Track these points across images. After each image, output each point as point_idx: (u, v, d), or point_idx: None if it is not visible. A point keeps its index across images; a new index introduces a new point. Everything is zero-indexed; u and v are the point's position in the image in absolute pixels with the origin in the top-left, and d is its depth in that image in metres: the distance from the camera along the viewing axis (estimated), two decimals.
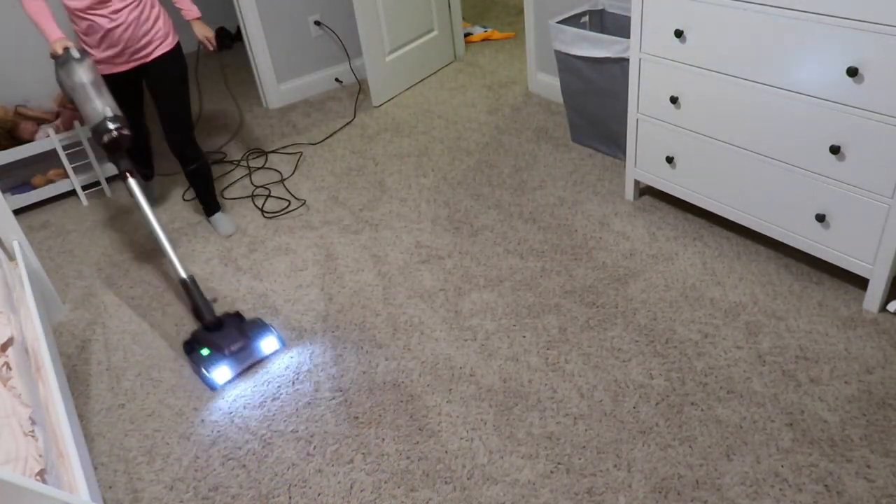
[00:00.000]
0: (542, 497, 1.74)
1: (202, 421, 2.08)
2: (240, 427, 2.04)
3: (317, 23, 4.06)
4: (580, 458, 1.82)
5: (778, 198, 2.24)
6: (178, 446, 2.01)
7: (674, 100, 2.41)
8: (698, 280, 2.36)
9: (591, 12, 3.11)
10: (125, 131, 2.35)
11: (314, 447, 1.95)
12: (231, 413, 2.09)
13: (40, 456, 1.50)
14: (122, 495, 1.89)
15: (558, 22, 3.01)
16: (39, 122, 3.30)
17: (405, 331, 2.31)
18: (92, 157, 3.29)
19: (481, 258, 2.60)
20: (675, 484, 1.72)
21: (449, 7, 4.25)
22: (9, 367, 1.74)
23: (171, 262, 2.31)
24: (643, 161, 2.67)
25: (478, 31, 4.72)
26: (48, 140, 3.17)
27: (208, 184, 2.90)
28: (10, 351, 1.80)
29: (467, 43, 4.64)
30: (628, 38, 2.67)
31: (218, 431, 2.04)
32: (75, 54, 2.35)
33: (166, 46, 2.60)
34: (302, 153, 3.53)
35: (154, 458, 1.98)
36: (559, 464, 1.81)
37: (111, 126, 2.31)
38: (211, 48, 2.75)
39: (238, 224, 3.00)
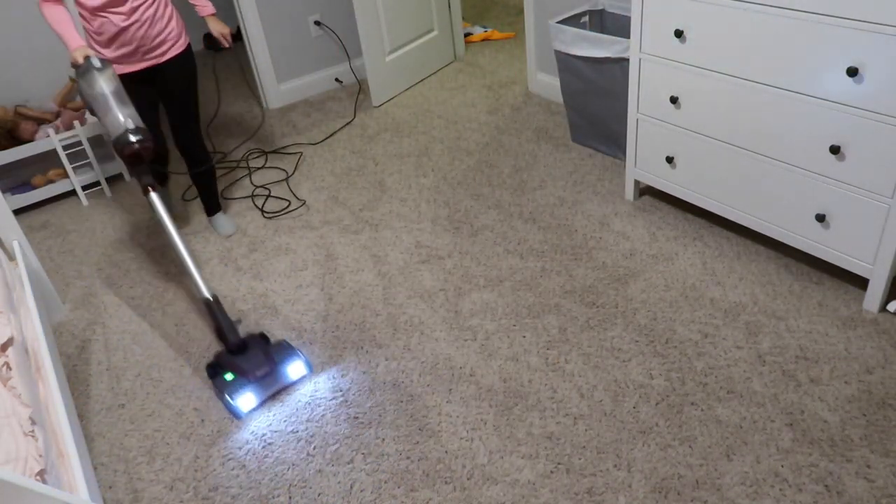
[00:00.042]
0: (542, 497, 1.74)
1: (202, 421, 2.08)
2: (240, 427, 2.04)
3: (317, 23, 4.06)
4: (580, 458, 1.82)
5: (778, 198, 2.24)
6: (178, 446, 2.01)
7: (674, 100, 2.41)
8: (698, 280, 2.36)
9: (591, 12, 3.11)
10: (147, 143, 2.25)
11: (314, 447, 1.95)
12: (231, 412, 2.09)
13: (40, 456, 1.50)
14: (122, 495, 1.89)
15: (558, 22, 3.01)
16: (39, 122, 3.30)
17: (405, 331, 2.31)
18: (92, 157, 3.29)
19: (481, 258, 2.60)
20: (675, 484, 1.72)
21: (449, 7, 4.25)
22: (9, 367, 1.74)
23: (194, 281, 2.19)
24: (643, 161, 2.67)
25: (478, 31, 4.72)
26: (48, 140, 3.17)
27: (212, 184, 2.90)
28: (10, 351, 1.80)
29: (467, 43, 4.64)
30: (628, 38, 2.67)
31: (218, 431, 2.04)
32: (96, 63, 2.28)
33: (179, 47, 2.56)
34: (302, 153, 3.53)
35: (154, 458, 1.98)
36: (559, 464, 1.81)
37: (133, 139, 2.22)
38: (227, 45, 2.70)
39: (238, 224, 3.00)
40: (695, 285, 2.33)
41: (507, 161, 3.21)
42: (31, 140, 3.22)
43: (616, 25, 3.09)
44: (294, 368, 2.14)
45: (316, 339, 2.33)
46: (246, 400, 2.05)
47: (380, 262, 2.65)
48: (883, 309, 2.14)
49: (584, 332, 2.21)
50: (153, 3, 2.42)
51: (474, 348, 2.20)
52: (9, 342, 1.83)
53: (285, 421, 2.03)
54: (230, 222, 2.96)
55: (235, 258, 2.78)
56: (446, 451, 1.89)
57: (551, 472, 1.79)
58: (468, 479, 1.80)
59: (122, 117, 2.24)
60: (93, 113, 2.31)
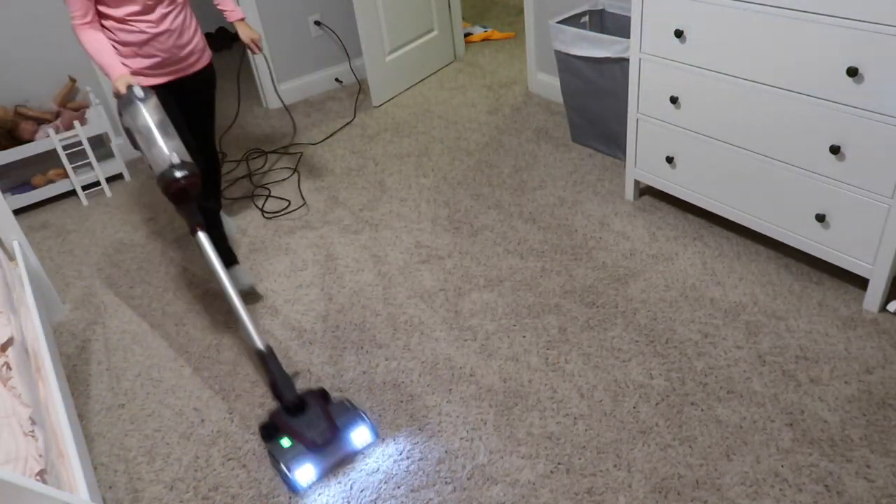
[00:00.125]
0: (542, 497, 1.74)
1: (202, 421, 2.08)
2: (240, 427, 2.04)
3: (317, 23, 4.06)
4: (580, 458, 1.82)
5: (778, 198, 2.24)
6: (178, 446, 2.01)
7: (674, 100, 2.41)
8: (698, 280, 2.36)
9: (591, 12, 3.11)
10: (194, 178, 2.06)
11: None
12: (231, 412, 2.09)
13: (40, 456, 1.50)
14: (122, 495, 1.89)
15: (558, 22, 3.01)
16: (39, 122, 3.30)
17: (405, 331, 2.31)
18: (92, 157, 3.29)
19: (481, 258, 2.60)
20: (675, 484, 1.72)
21: (449, 7, 4.25)
22: (9, 367, 1.74)
23: (246, 331, 1.98)
24: (643, 161, 2.67)
25: (478, 31, 4.72)
26: (48, 140, 3.17)
27: (219, 226, 2.77)
28: (10, 351, 1.80)
29: (467, 43, 4.64)
30: (628, 38, 2.67)
31: (218, 431, 2.04)
32: (139, 93, 2.09)
33: (206, 60, 2.44)
34: (302, 153, 3.53)
35: (154, 458, 1.98)
36: (559, 464, 1.81)
37: (178, 175, 2.02)
38: (258, 51, 2.59)
39: (238, 224, 3.00)
40: (695, 285, 2.33)
41: (507, 161, 3.21)
42: (31, 140, 3.22)
43: (616, 25, 3.09)
44: (359, 434, 1.90)
45: (316, 339, 2.33)
46: (305, 472, 1.82)
47: (380, 262, 2.65)
48: (883, 309, 2.14)
49: (584, 332, 2.21)
50: (181, 12, 2.30)
51: (474, 348, 2.20)
52: (9, 342, 1.83)
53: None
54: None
55: None
56: (446, 451, 1.89)
57: (551, 472, 1.79)
58: (468, 479, 1.80)
59: (168, 151, 2.05)
60: (135, 146, 2.13)
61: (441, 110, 3.79)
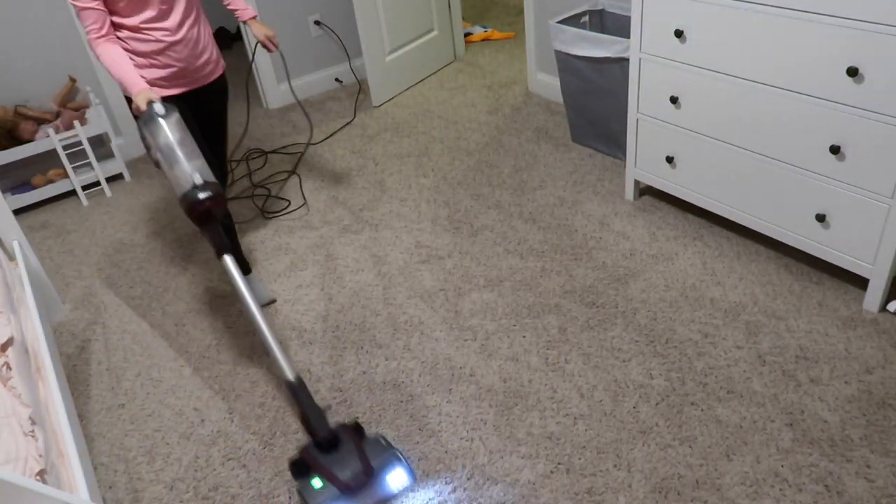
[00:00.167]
0: (542, 497, 1.74)
1: (202, 421, 2.08)
2: (240, 427, 2.04)
3: (317, 23, 4.06)
4: (580, 458, 1.82)
5: (778, 198, 2.24)
6: (178, 446, 2.01)
7: (674, 100, 2.41)
8: (698, 280, 2.36)
9: (591, 12, 3.11)
10: (219, 199, 1.97)
11: None
12: (231, 412, 2.09)
13: (40, 456, 1.50)
14: (122, 495, 1.89)
15: (558, 22, 3.01)
16: (39, 122, 3.30)
17: (405, 331, 2.31)
18: (92, 158, 3.29)
19: (481, 258, 2.60)
20: (675, 484, 1.72)
21: (449, 7, 4.25)
22: (9, 367, 1.74)
23: (277, 362, 1.88)
24: (643, 161, 2.67)
25: (478, 31, 4.72)
26: (48, 140, 3.17)
27: (232, 233, 2.70)
28: (10, 351, 1.80)
29: (467, 43, 4.64)
30: (628, 38, 2.67)
31: (218, 431, 2.04)
32: (160, 110, 2.00)
33: (220, 70, 2.38)
34: (302, 153, 3.53)
35: (154, 458, 1.98)
36: (559, 464, 1.81)
37: (201, 196, 1.92)
38: (273, 49, 2.49)
39: (238, 224, 3.00)
40: (695, 285, 2.33)
41: (507, 161, 3.21)
42: (31, 140, 3.22)
43: (616, 25, 3.09)
44: (395, 477, 1.78)
45: (316, 339, 2.33)
46: None
47: (380, 262, 2.65)
48: (883, 309, 2.14)
49: (584, 332, 2.21)
50: (196, 20, 2.23)
51: (474, 348, 2.20)
52: (9, 342, 1.83)
53: (285, 420, 2.02)
54: (265, 288, 2.58)
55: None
56: (446, 451, 1.89)
57: (551, 472, 1.79)
58: (468, 479, 1.80)
59: (190, 170, 1.95)
60: (157, 165, 2.04)
61: (441, 110, 3.79)
